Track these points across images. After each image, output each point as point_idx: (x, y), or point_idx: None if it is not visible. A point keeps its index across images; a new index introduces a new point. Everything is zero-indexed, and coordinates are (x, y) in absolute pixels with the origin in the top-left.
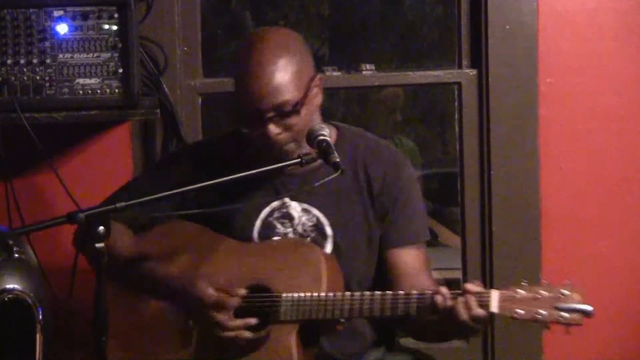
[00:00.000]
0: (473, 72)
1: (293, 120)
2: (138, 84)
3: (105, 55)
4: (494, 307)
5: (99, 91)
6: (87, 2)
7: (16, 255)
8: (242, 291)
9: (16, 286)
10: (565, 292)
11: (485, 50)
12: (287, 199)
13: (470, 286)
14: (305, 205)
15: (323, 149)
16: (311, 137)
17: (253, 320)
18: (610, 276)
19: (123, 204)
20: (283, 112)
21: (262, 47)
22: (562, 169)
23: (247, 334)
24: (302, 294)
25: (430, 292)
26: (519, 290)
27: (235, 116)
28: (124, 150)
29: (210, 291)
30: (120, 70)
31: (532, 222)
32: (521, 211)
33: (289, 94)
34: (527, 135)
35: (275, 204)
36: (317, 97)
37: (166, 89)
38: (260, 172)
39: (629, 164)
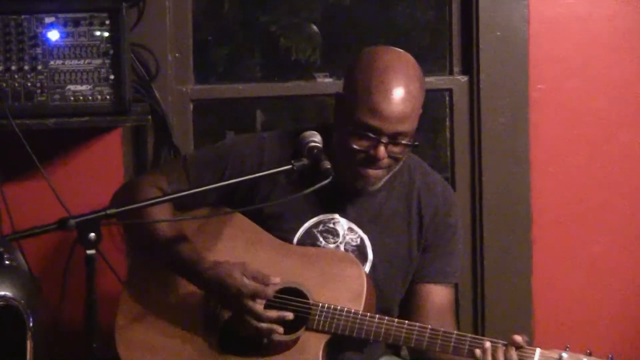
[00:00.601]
0: (464, 78)
1: (400, 150)
2: (129, 90)
3: (97, 61)
4: None
5: (90, 97)
6: (78, 9)
7: (7, 262)
8: (277, 279)
9: (7, 293)
10: None
11: (476, 57)
12: (337, 215)
13: (517, 338)
14: (353, 225)
15: (314, 156)
16: (302, 143)
17: (290, 315)
18: (602, 280)
19: (114, 210)
20: (397, 141)
21: (402, 70)
22: (553, 173)
23: (280, 330)
24: (339, 308)
25: (469, 337)
26: (562, 353)
27: (343, 121)
28: (116, 157)
29: (247, 280)
30: (112, 77)
31: (523, 227)
32: (512, 216)
33: (410, 126)
34: (518, 141)
35: (323, 216)
36: None
37: (157, 95)
38: (258, 176)
39: (620, 169)
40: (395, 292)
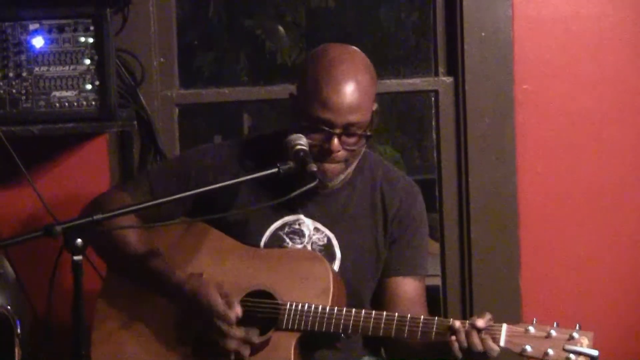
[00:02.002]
0: (449, 79)
1: (354, 141)
2: (115, 96)
3: (82, 67)
4: (502, 341)
5: (75, 104)
6: (62, 15)
7: None
8: (239, 312)
9: None
10: (575, 334)
11: (461, 58)
12: (302, 215)
13: (479, 322)
14: (318, 225)
15: (301, 159)
16: (288, 146)
17: (255, 338)
18: (591, 280)
19: (100, 216)
20: (350, 132)
21: (350, 62)
22: (540, 174)
23: (247, 352)
24: (307, 305)
25: (436, 319)
26: (529, 327)
27: (298, 119)
28: (102, 163)
29: (220, 301)
30: (97, 83)
31: (511, 227)
32: (499, 216)
33: (363, 116)
34: (504, 141)
35: (288, 218)
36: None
37: (143, 101)
38: (240, 181)
39: (605, 168)
40: (366, 289)
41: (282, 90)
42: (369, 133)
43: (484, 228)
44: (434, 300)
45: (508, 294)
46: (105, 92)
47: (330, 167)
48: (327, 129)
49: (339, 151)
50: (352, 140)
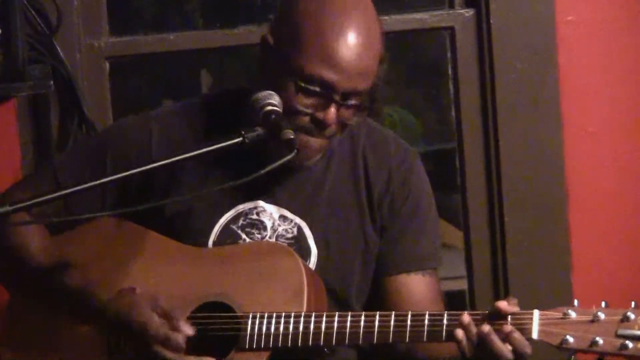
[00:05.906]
0: (469, 12)
1: (351, 114)
2: (23, 49)
3: None
4: (535, 332)
5: None
6: None
7: None
8: (190, 331)
9: None
10: (630, 314)
11: None
12: (261, 201)
13: (503, 304)
14: (285, 212)
15: (273, 123)
16: (256, 106)
17: None
18: None
19: (9, 207)
20: (349, 102)
21: (362, 9)
22: (593, 134)
23: None
24: (274, 315)
25: (446, 314)
26: (568, 310)
27: (283, 76)
28: (9, 135)
29: (157, 318)
30: None
31: (557, 207)
32: (541, 194)
33: (369, 83)
34: (544, 93)
35: (243, 206)
36: None
37: (61, 53)
38: (179, 159)
39: None
40: (354, 289)
41: (248, 34)
42: (366, 104)
43: (522, 210)
44: (459, 309)
45: (556, 296)
46: (10, 44)
47: (316, 142)
48: (325, 93)
49: (333, 124)
50: (348, 112)
